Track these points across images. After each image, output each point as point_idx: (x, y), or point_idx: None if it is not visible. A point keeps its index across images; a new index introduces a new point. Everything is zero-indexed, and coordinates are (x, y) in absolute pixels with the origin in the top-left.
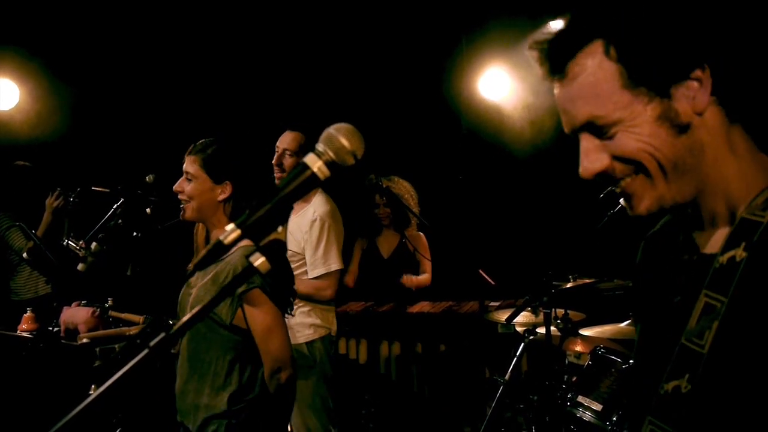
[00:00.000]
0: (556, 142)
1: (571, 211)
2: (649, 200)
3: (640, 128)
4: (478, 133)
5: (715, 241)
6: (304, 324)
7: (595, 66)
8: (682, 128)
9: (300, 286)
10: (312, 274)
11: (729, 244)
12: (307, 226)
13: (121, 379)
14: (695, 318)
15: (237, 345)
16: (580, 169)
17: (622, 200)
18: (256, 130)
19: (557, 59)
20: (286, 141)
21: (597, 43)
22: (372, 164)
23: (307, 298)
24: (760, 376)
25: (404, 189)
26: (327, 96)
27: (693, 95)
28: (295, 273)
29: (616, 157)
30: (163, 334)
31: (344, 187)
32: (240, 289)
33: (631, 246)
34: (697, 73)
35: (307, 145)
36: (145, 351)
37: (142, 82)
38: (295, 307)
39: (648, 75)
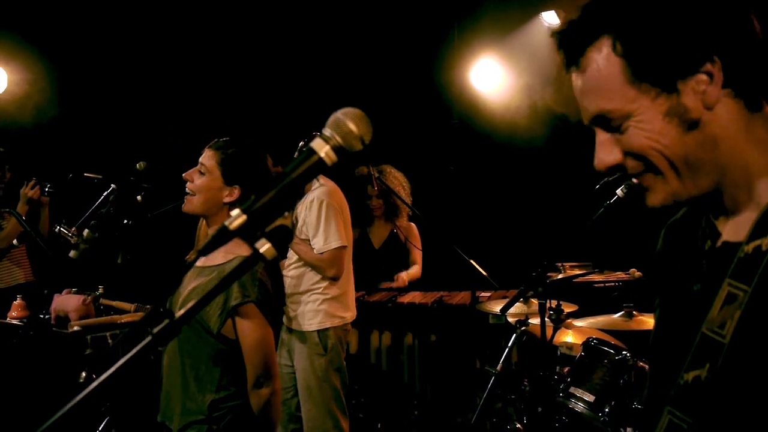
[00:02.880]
0: (549, 133)
1: (566, 201)
2: (663, 194)
3: (649, 124)
4: (470, 123)
5: (739, 230)
6: (317, 311)
7: (603, 61)
8: (692, 124)
9: (309, 255)
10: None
11: (755, 233)
12: (308, 209)
13: (123, 366)
14: (717, 307)
15: (222, 353)
16: (595, 161)
17: (619, 191)
18: (249, 117)
19: (570, 53)
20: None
21: (605, 39)
22: (364, 154)
23: (316, 268)
24: None
25: (396, 179)
26: (317, 86)
27: (703, 90)
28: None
29: (627, 153)
30: (166, 321)
31: (335, 176)
32: (234, 302)
33: (629, 237)
34: (707, 67)
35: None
36: (149, 338)
37: (133, 68)
38: (308, 294)
39: (651, 71)
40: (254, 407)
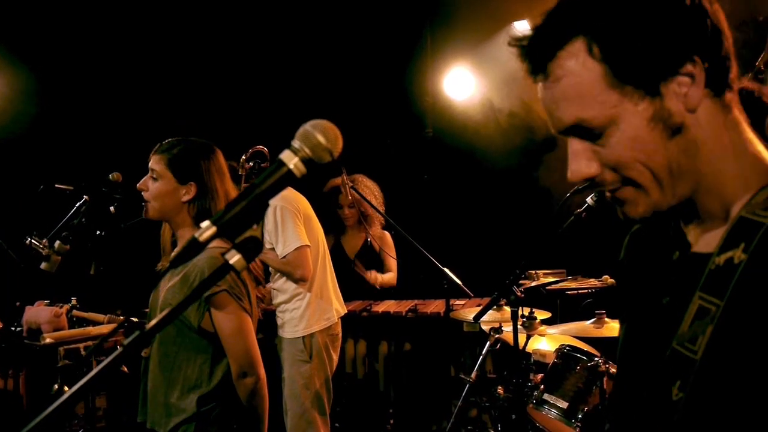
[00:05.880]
0: (522, 142)
1: (538, 210)
2: (643, 207)
3: (632, 131)
4: (443, 132)
5: (708, 240)
6: (301, 318)
7: (579, 66)
8: (675, 130)
9: (276, 262)
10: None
11: (726, 244)
12: (266, 218)
13: (93, 379)
14: (687, 322)
15: (206, 348)
16: (568, 173)
17: (589, 199)
18: (219, 127)
19: (537, 59)
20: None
21: (578, 41)
22: (336, 163)
23: (285, 274)
24: (755, 384)
25: (368, 188)
26: (288, 95)
27: (685, 92)
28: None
29: (606, 166)
30: (137, 333)
31: (309, 185)
32: (207, 292)
33: (598, 245)
34: (688, 67)
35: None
36: (120, 350)
37: (106, 79)
38: (292, 301)
39: (634, 72)
40: (241, 396)
